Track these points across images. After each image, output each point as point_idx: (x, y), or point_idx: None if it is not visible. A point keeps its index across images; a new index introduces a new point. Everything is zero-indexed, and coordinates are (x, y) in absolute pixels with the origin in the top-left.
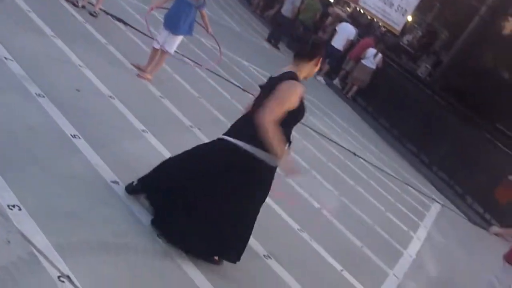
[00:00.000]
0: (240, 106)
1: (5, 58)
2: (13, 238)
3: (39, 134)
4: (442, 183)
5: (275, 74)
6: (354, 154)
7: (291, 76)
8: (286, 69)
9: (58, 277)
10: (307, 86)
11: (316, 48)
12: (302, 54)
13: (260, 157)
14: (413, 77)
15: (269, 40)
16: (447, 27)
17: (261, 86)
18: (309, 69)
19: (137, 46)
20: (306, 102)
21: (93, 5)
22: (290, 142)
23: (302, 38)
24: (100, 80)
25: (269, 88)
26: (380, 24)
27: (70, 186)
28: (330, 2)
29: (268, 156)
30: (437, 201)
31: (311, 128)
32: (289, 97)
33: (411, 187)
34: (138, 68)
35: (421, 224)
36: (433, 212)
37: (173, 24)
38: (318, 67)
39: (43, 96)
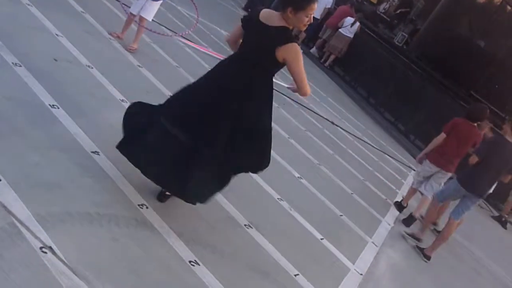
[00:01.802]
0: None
1: None
2: None
3: (17, 104)
4: (419, 151)
5: (264, 20)
6: (332, 123)
7: (289, 35)
8: (277, 20)
9: (41, 248)
10: None
11: (286, 3)
12: (279, 4)
13: None
14: (390, 45)
15: (246, 9)
16: None
17: (247, 21)
18: (293, 20)
19: (114, 14)
20: (282, 71)
21: None
22: None
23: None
24: (77, 49)
25: (268, 41)
26: None
27: (50, 156)
28: None
29: None
30: (414, 169)
31: (288, 97)
32: (302, 65)
33: (389, 155)
34: (118, 37)
35: (399, 192)
36: (410, 180)
37: None
38: (306, 18)
39: (20, 65)
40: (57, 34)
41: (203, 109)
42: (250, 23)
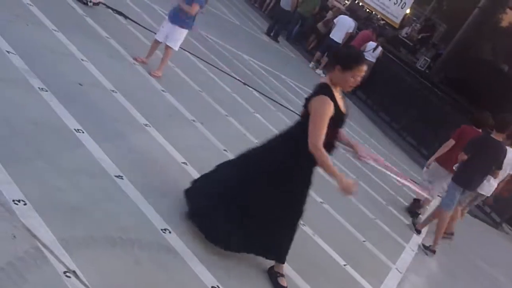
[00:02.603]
0: (240, 99)
1: (7, 51)
2: (18, 233)
3: (42, 128)
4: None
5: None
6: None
7: (321, 89)
8: (322, 79)
9: (64, 272)
10: (306, 79)
11: (336, 56)
12: (328, 61)
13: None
14: (412, 70)
15: (268, 33)
16: (445, 19)
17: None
18: (339, 78)
19: (138, 39)
20: (303, 94)
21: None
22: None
23: (301, 32)
24: (102, 73)
25: (305, 103)
26: (379, 16)
27: (74, 180)
28: None
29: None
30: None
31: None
32: (321, 117)
33: (411, 179)
34: (142, 62)
35: (422, 217)
36: (433, 205)
37: (176, 17)
38: (352, 79)
39: (46, 90)
40: (82, 59)
41: None
42: None
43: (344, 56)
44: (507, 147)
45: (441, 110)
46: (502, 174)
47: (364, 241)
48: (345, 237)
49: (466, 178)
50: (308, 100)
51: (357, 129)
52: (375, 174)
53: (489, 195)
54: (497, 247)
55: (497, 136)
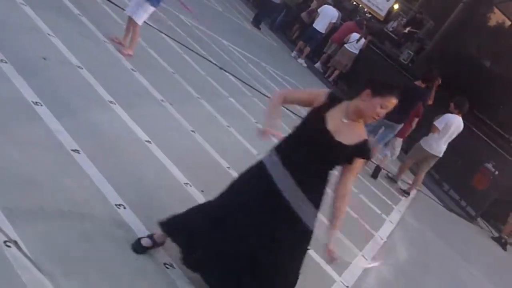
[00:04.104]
0: (214, 83)
1: None
2: None
3: None
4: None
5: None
6: None
7: (369, 148)
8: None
9: (5, 241)
10: (287, 68)
11: (370, 80)
12: (358, 85)
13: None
14: (395, 62)
15: (254, 23)
16: (433, 16)
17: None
18: (366, 105)
19: (111, 18)
20: (284, 83)
21: None
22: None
23: (285, 21)
24: (69, 49)
25: None
26: (365, 9)
27: (28, 152)
28: None
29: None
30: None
31: (289, 110)
32: (308, 91)
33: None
34: (119, 43)
35: (395, 208)
36: (409, 197)
37: None
38: (379, 108)
39: (6, 62)
40: (48, 34)
41: None
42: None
43: (379, 82)
44: (455, 115)
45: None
46: (449, 137)
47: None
48: None
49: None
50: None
51: None
52: None
53: (440, 155)
54: (472, 242)
55: (418, 83)
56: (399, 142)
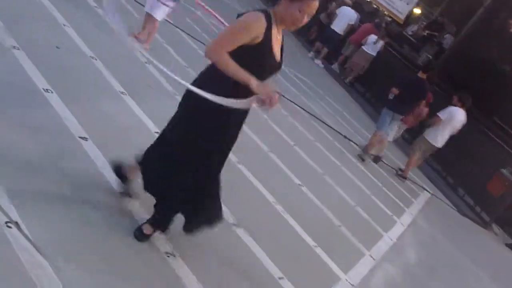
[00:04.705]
0: None
1: None
2: None
3: (6, 84)
4: (435, 173)
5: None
6: (345, 137)
7: (260, 11)
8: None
9: (6, 222)
10: (304, 68)
11: None
12: None
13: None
14: (413, 65)
15: None
16: (454, 21)
17: None
18: (284, 11)
19: (128, 12)
20: (301, 84)
21: None
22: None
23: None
24: (83, 40)
25: None
26: (385, 12)
27: (34, 137)
28: None
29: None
30: (427, 190)
31: (302, 108)
32: (240, 25)
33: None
34: (135, 37)
35: (407, 210)
36: (422, 200)
37: None
38: (299, 13)
39: (18, 49)
40: (64, 24)
41: None
42: None
43: None
44: (458, 108)
45: (438, 106)
46: (452, 129)
47: (339, 226)
48: (319, 220)
49: (395, 105)
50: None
51: (351, 120)
52: (363, 165)
53: (440, 146)
54: (484, 247)
55: (421, 75)
56: (400, 126)
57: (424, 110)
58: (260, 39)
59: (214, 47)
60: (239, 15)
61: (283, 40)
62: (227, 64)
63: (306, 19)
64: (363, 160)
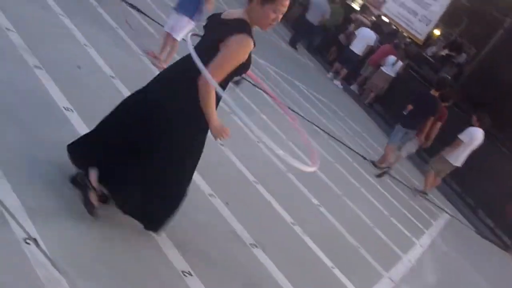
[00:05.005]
0: (248, 99)
1: (7, 28)
2: None
3: (28, 102)
4: (454, 194)
5: (224, 16)
6: (364, 158)
7: (242, 26)
8: (237, 14)
9: (24, 239)
10: (323, 89)
11: None
12: None
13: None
14: (432, 86)
15: (291, 44)
16: (474, 42)
17: (205, 27)
18: (257, 13)
19: (148, 32)
20: (320, 105)
21: None
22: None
23: (322, 43)
24: (103, 60)
25: (216, 35)
26: (404, 33)
27: (54, 154)
28: (354, 9)
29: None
30: (446, 212)
31: (321, 129)
32: (237, 57)
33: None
34: (154, 57)
35: (426, 232)
36: (441, 222)
37: (183, 7)
38: (273, 14)
39: (41, 68)
40: (85, 44)
41: None
42: (209, 22)
43: None
44: (477, 128)
45: (458, 127)
46: (472, 149)
47: (358, 247)
48: (337, 241)
49: (407, 120)
50: (224, 33)
51: (370, 141)
52: (382, 186)
53: (460, 166)
54: (505, 270)
55: (434, 93)
56: (414, 141)
57: (434, 126)
58: (246, 57)
59: (212, 82)
60: (219, 23)
61: None
62: (209, 98)
63: (279, 17)
64: (380, 175)
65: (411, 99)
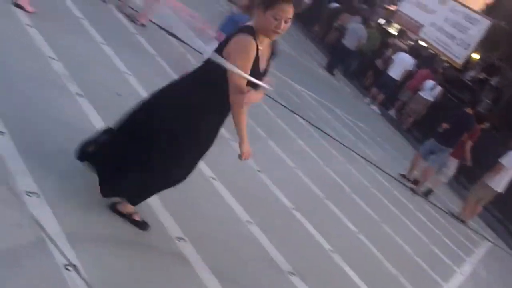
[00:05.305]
0: (284, 125)
1: (50, 57)
2: (26, 223)
3: (71, 130)
4: (496, 221)
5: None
6: (402, 183)
7: (244, 29)
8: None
9: (65, 265)
10: (360, 114)
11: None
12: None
13: None
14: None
15: (328, 69)
16: None
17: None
18: (261, 22)
19: (186, 59)
20: (357, 130)
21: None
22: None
23: (359, 68)
24: (143, 87)
25: (224, 43)
26: (442, 57)
27: (95, 180)
28: (391, 34)
29: None
30: (487, 239)
31: (358, 154)
32: (240, 55)
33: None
34: None
35: (467, 259)
36: (483, 249)
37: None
38: (275, 21)
39: (82, 96)
40: (125, 72)
41: None
42: None
43: None
44: None
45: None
46: (511, 172)
47: (397, 275)
48: (377, 269)
49: (441, 137)
50: (229, 39)
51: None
52: (421, 213)
53: (501, 191)
54: None
55: (469, 111)
56: (453, 163)
57: (466, 145)
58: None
59: (242, 89)
60: (228, 36)
61: (273, 49)
62: (240, 117)
63: (285, 25)
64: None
65: (447, 117)
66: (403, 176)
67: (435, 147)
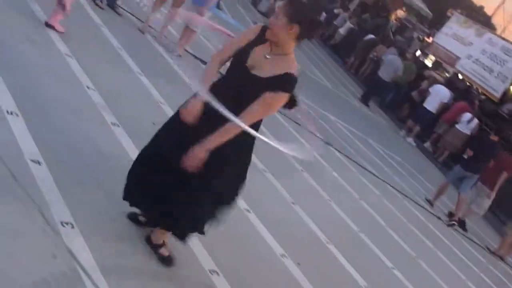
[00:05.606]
0: (319, 157)
1: (87, 87)
2: (60, 253)
3: (106, 160)
4: None
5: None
6: (438, 218)
7: (288, 81)
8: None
9: None
10: (395, 147)
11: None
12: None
13: None
14: (509, 144)
15: (363, 101)
16: None
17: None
18: (285, 40)
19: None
20: (393, 163)
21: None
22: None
23: (395, 100)
24: None
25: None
26: (479, 90)
27: (126, 210)
28: (427, 66)
29: None
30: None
31: (393, 187)
32: (269, 112)
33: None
34: None
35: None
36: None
37: None
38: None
39: (118, 126)
40: (160, 102)
41: None
42: None
43: None
44: None
45: None
46: None
47: None
48: None
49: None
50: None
51: (445, 200)
52: (459, 249)
53: None
54: None
55: (493, 137)
56: (488, 195)
57: (500, 176)
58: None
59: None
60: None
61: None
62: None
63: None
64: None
65: (472, 144)
66: (449, 214)
67: (461, 173)
